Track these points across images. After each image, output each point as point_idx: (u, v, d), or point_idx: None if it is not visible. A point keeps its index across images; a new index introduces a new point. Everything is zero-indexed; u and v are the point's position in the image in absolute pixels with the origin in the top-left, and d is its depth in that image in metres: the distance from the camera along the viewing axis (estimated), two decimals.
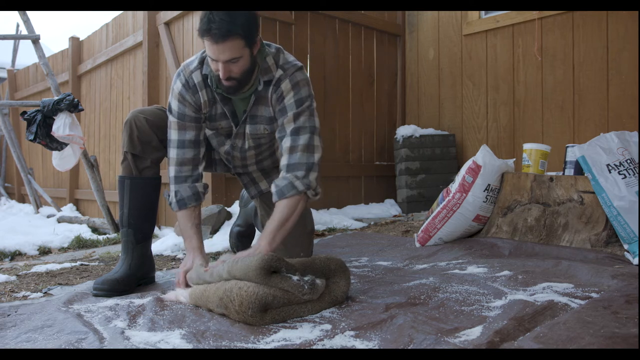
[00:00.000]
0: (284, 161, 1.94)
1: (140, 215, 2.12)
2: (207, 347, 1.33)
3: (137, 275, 2.07)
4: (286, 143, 1.94)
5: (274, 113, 2.04)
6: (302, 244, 2.25)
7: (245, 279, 1.54)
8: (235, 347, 1.32)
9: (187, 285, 1.85)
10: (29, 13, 4.67)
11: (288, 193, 1.88)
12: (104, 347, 1.34)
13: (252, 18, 1.84)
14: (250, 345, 1.33)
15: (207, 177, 3.65)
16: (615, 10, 3.59)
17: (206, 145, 2.19)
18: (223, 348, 1.32)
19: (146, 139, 2.10)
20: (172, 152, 2.04)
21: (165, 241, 3.04)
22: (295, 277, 1.54)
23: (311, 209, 3.87)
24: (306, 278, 1.57)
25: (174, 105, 2.04)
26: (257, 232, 2.85)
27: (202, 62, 2.02)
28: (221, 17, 1.75)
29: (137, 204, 2.12)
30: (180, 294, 1.77)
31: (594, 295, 1.59)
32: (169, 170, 2.06)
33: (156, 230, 4.10)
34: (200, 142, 2.07)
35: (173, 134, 2.05)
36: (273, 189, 1.92)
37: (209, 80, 1.99)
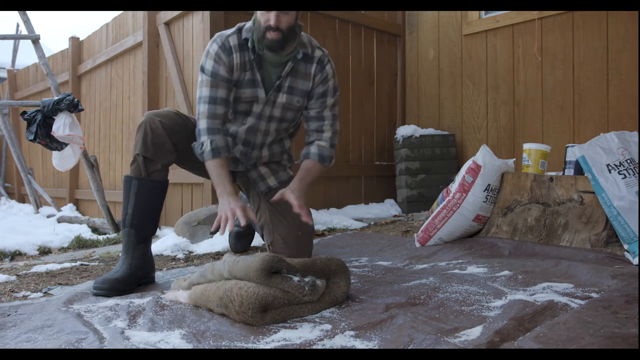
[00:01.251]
0: (327, 139, 2.26)
1: (144, 216, 2.12)
2: (207, 347, 1.33)
3: (138, 275, 2.07)
4: (328, 126, 2.27)
5: (312, 89, 2.24)
6: (307, 245, 2.30)
7: (245, 279, 1.54)
8: (235, 347, 1.32)
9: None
10: (29, 13, 4.68)
11: (326, 162, 2.24)
12: (104, 347, 1.34)
13: None
14: (250, 345, 1.33)
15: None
16: (615, 10, 3.59)
17: None
18: (222, 348, 1.32)
19: (160, 142, 2.12)
20: (203, 107, 2.13)
21: (165, 241, 3.03)
22: (295, 278, 1.54)
23: (311, 209, 3.88)
24: (307, 279, 1.57)
25: (209, 65, 2.14)
26: (256, 233, 2.86)
27: (239, 30, 2.17)
28: None
29: (142, 206, 2.12)
30: (179, 294, 1.77)
31: (594, 295, 1.59)
32: (200, 124, 2.13)
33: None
34: (229, 103, 2.18)
35: (205, 91, 2.14)
36: (316, 151, 2.22)
37: (250, 42, 2.13)
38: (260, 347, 1.32)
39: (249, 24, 2.17)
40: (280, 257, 1.56)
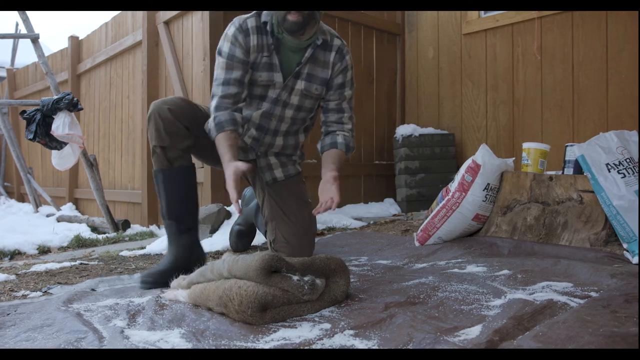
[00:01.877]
0: (348, 126, 2.29)
1: (178, 206, 2.14)
2: (207, 347, 1.33)
3: (183, 266, 2.04)
4: (347, 119, 2.29)
5: (331, 78, 2.24)
6: (309, 244, 2.29)
7: (245, 278, 1.54)
8: (234, 347, 1.33)
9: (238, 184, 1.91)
10: (29, 12, 4.67)
11: (349, 153, 2.26)
12: (104, 347, 1.34)
13: None
14: (249, 345, 1.34)
15: (206, 175, 3.65)
16: (615, 10, 3.59)
17: None
18: (222, 348, 1.32)
19: (173, 129, 2.11)
20: (216, 89, 2.12)
21: (165, 240, 3.03)
22: (295, 277, 1.55)
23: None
24: (306, 278, 1.57)
25: (225, 47, 2.13)
26: (257, 232, 2.86)
27: (258, 14, 2.16)
28: None
29: (174, 195, 2.13)
30: (179, 294, 1.77)
31: (593, 294, 1.59)
32: (212, 103, 2.13)
33: (156, 229, 4.10)
34: (244, 84, 2.15)
35: (220, 73, 2.13)
36: (343, 141, 2.23)
37: (269, 26, 2.11)
38: (259, 347, 1.32)
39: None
40: (280, 256, 1.56)
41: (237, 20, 2.16)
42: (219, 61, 2.15)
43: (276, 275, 1.53)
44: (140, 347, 1.33)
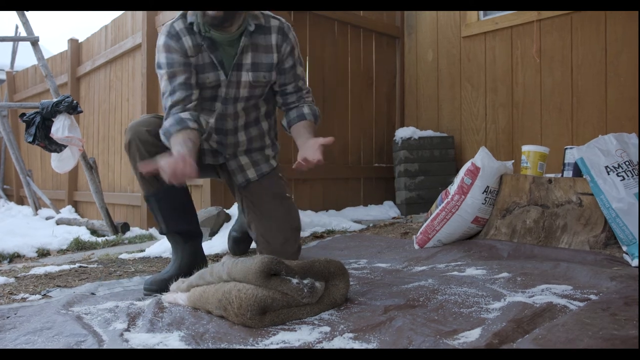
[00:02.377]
0: (309, 98, 2.27)
1: (180, 221, 2.13)
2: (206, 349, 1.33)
3: (187, 273, 2.02)
4: (305, 92, 2.27)
5: (281, 60, 2.17)
6: (290, 241, 2.23)
7: (244, 281, 1.54)
8: (233, 348, 1.32)
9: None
10: (28, 15, 4.68)
11: (317, 122, 2.23)
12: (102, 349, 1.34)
13: None
14: (249, 348, 1.33)
15: (206, 180, 3.65)
16: (615, 10, 3.59)
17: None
18: (218, 348, 1.32)
19: (153, 150, 2.06)
20: (165, 101, 2.04)
21: (164, 242, 3.03)
22: (294, 280, 1.55)
23: (310, 211, 3.89)
24: (305, 281, 1.57)
25: (162, 58, 2.06)
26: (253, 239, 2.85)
27: (184, 15, 2.07)
28: None
29: (170, 214, 2.12)
30: (178, 296, 1.77)
31: (592, 297, 1.59)
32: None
33: (156, 232, 4.10)
34: (192, 86, 2.06)
35: (165, 85, 2.05)
36: (307, 109, 2.20)
37: (195, 26, 2.03)
38: (259, 349, 1.32)
39: None
40: (279, 260, 1.56)
41: (165, 28, 2.09)
42: (160, 74, 2.07)
43: (275, 278, 1.53)
44: (138, 348, 1.33)
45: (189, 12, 2.05)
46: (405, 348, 1.25)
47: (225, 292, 1.54)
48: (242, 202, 2.36)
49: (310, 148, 1.94)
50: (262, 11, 2.12)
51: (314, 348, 1.31)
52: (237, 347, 1.34)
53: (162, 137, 2.00)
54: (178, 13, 2.13)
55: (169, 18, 4.13)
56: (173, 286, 1.88)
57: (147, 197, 2.15)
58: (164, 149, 2.06)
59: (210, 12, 1.92)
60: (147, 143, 2.07)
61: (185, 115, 1.99)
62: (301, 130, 2.13)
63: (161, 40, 2.07)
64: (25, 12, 4.63)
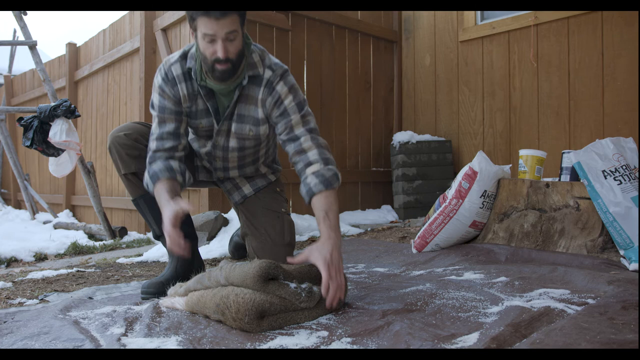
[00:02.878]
0: (314, 156, 1.89)
1: None
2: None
3: (184, 277, 2.04)
4: (307, 142, 1.93)
5: (269, 115, 2.02)
6: (281, 258, 2.10)
7: (242, 285, 1.54)
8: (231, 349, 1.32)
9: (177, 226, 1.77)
10: (26, 19, 4.68)
11: (335, 184, 1.86)
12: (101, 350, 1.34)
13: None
14: (247, 348, 1.33)
15: None
16: (615, 10, 3.59)
17: (189, 151, 2.19)
18: (214, 349, 1.32)
19: (134, 153, 2.11)
20: (151, 144, 2.02)
21: (161, 247, 3.03)
22: (292, 285, 1.55)
23: (308, 215, 3.88)
24: (303, 285, 1.57)
25: (155, 99, 2.05)
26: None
27: (184, 56, 2.02)
28: None
29: (160, 215, 2.11)
30: (176, 301, 1.77)
31: (590, 301, 1.59)
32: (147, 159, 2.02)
33: (153, 237, 4.09)
34: (180, 135, 2.04)
35: (154, 128, 2.04)
36: (316, 179, 1.83)
37: (193, 73, 1.98)
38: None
39: (193, 48, 2.00)
40: (277, 264, 1.56)
41: (163, 66, 2.04)
42: (153, 114, 2.06)
43: (274, 283, 1.53)
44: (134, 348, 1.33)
45: (190, 54, 2.00)
46: (403, 348, 1.25)
47: (223, 297, 1.54)
48: (238, 214, 2.38)
49: (316, 258, 1.65)
50: (264, 58, 2.02)
51: (310, 348, 1.30)
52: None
53: (147, 179, 1.97)
54: (178, 53, 2.05)
55: (166, 23, 4.14)
56: (170, 290, 1.88)
57: (135, 199, 2.16)
58: (143, 150, 2.09)
59: (219, 67, 1.87)
60: (125, 146, 2.11)
61: (175, 164, 1.98)
62: (318, 209, 1.81)
63: (157, 80, 2.03)
64: (23, 16, 4.63)
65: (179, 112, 2.04)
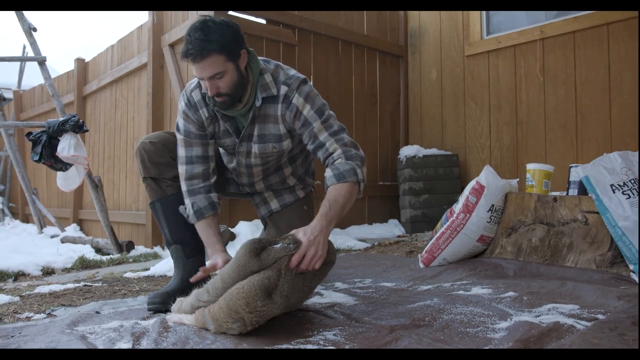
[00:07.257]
0: (338, 154, 1.92)
1: (180, 231, 2.15)
2: None
3: (190, 288, 2.01)
4: (332, 145, 1.95)
5: (292, 129, 2.06)
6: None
7: (237, 272, 1.59)
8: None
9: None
10: (36, 35, 4.73)
11: (349, 177, 1.85)
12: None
13: (229, 32, 1.87)
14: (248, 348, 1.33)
15: None
16: (615, 10, 3.56)
17: (219, 164, 2.26)
18: (214, 348, 1.31)
19: (157, 160, 2.16)
20: (181, 168, 2.10)
21: (169, 261, 3.03)
22: (278, 244, 1.62)
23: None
24: (287, 241, 1.63)
25: (180, 123, 2.12)
26: None
27: (200, 84, 2.07)
28: (196, 36, 1.81)
29: (174, 222, 2.15)
30: (184, 317, 1.76)
31: (600, 316, 1.58)
32: (182, 186, 2.10)
33: (160, 250, 4.09)
34: (208, 158, 2.12)
35: (180, 151, 2.11)
36: (331, 172, 1.88)
37: (206, 99, 2.04)
38: None
39: None
40: (260, 238, 1.65)
41: (185, 93, 2.11)
42: (178, 137, 2.12)
43: (264, 252, 1.59)
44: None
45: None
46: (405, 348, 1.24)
47: (229, 302, 1.56)
48: (265, 226, 2.46)
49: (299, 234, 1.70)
50: (278, 75, 2.02)
51: (307, 348, 1.30)
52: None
53: (190, 212, 2.06)
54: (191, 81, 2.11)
55: (174, 38, 4.17)
56: (174, 307, 1.87)
57: (153, 202, 2.19)
58: (167, 158, 2.16)
59: (217, 99, 1.93)
60: (149, 152, 2.16)
61: (215, 198, 2.09)
62: (324, 200, 1.84)
63: (181, 105, 2.11)
64: (33, 32, 4.68)
65: (203, 136, 2.11)
